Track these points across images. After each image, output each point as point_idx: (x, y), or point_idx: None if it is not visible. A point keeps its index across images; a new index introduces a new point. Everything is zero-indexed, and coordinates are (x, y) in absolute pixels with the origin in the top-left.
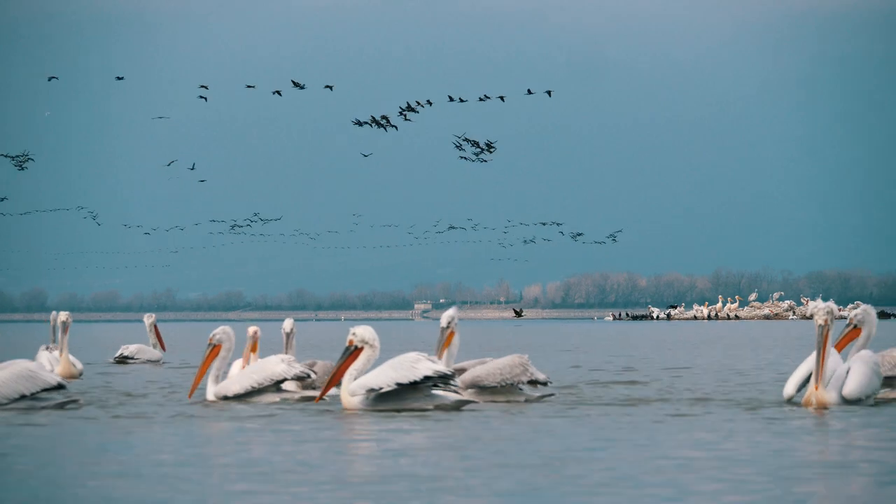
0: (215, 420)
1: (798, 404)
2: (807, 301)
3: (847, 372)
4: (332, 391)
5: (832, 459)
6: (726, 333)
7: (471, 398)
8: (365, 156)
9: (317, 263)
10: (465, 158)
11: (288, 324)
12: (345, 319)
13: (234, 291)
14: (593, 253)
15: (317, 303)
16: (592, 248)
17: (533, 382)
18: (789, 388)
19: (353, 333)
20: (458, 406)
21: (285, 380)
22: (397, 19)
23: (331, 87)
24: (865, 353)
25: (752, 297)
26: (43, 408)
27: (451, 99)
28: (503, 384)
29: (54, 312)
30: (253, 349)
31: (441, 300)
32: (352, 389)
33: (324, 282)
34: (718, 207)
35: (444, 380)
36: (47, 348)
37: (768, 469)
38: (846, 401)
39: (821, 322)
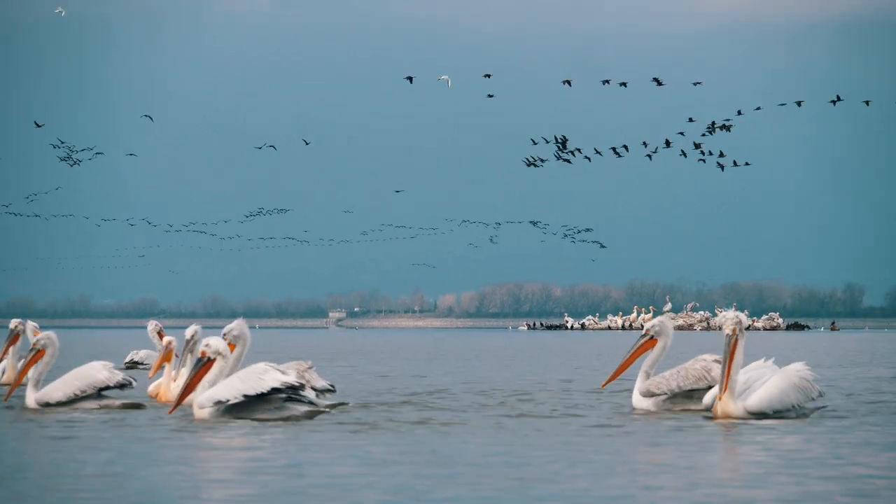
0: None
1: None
2: (721, 312)
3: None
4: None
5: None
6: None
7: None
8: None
9: (232, 271)
10: (534, 164)
11: (190, 330)
12: (259, 328)
13: (148, 298)
14: (508, 262)
15: (231, 310)
16: (508, 258)
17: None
18: (707, 398)
19: (207, 345)
20: (309, 416)
21: (108, 387)
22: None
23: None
24: (794, 365)
25: (667, 307)
26: None
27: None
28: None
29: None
30: (167, 359)
31: (356, 309)
32: (200, 402)
33: (239, 289)
34: (634, 218)
35: (293, 390)
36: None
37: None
38: (751, 413)
39: (728, 332)
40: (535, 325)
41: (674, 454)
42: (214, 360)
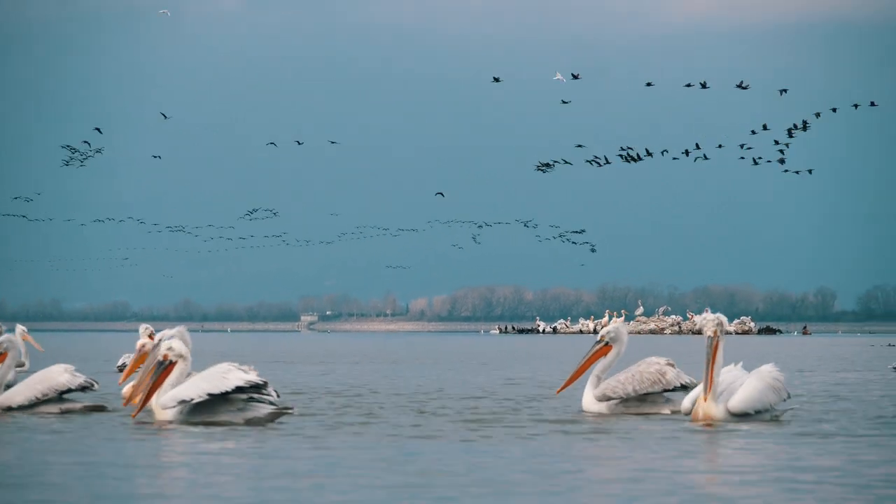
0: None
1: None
2: (692, 316)
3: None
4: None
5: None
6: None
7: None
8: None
9: (204, 274)
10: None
11: (157, 336)
12: (231, 331)
13: (120, 302)
14: (480, 266)
15: (203, 314)
16: (479, 261)
17: None
18: (686, 402)
19: (169, 348)
20: (271, 418)
21: (70, 390)
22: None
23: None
24: (766, 367)
25: (638, 311)
26: None
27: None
28: None
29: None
30: (141, 362)
31: (328, 312)
32: (163, 402)
33: (210, 293)
34: (605, 222)
35: (256, 390)
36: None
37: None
38: (733, 415)
39: (710, 333)
40: (506, 328)
41: (660, 458)
42: (176, 362)
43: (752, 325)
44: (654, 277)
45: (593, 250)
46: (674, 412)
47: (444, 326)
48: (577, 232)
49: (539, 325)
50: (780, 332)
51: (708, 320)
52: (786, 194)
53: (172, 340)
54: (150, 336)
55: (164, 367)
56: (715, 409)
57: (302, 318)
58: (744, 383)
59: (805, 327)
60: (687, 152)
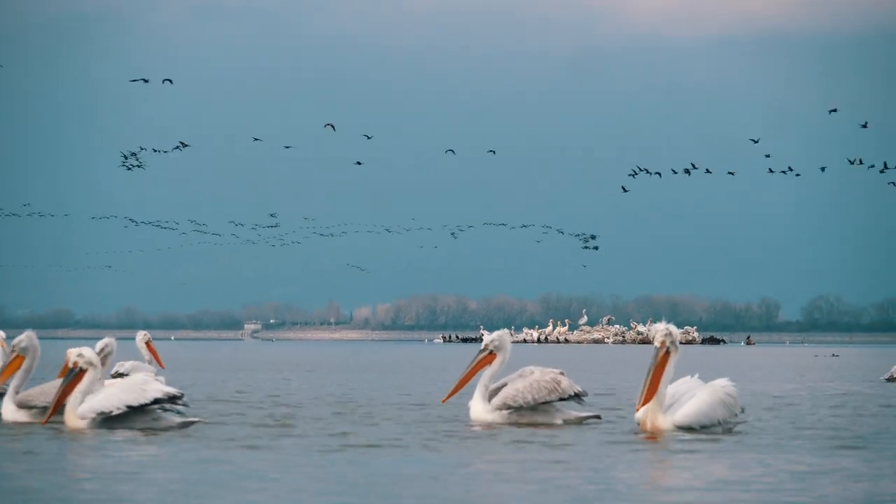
0: None
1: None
2: (636, 325)
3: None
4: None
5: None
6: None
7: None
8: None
9: (147, 282)
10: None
11: (101, 343)
12: (175, 339)
13: (63, 309)
14: (423, 275)
15: (146, 321)
16: (423, 270)
17: None
18: (639, 413)
19: (79, 355)
20: (182, 426)
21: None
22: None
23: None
24: (719, 381)
25: (582, 320)
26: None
27: None
28: None
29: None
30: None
31: (271, 320)
32: (82, 412)
33: (154, 300)
34: (548, 231)
35: (172, 401)
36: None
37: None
38: (679, 428)
39: (657, 344)
40: (450, 337)
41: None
42: (86, 370)
43: (696, 334)
44: (598, 287)
45: (595, 248)
46: (565, 422)
47: (387, 335)
48: (592, 237)
49: (483, 335)
50: (723, 342)
51: (658, 330)
52: (730, 205)
53: (83, 348)
54: (148, 343)
55: (74, 375)
56: (662, 421)
57: (245, 326)
58: (694, 396)
59: (749, 337)
60: (649, 172)
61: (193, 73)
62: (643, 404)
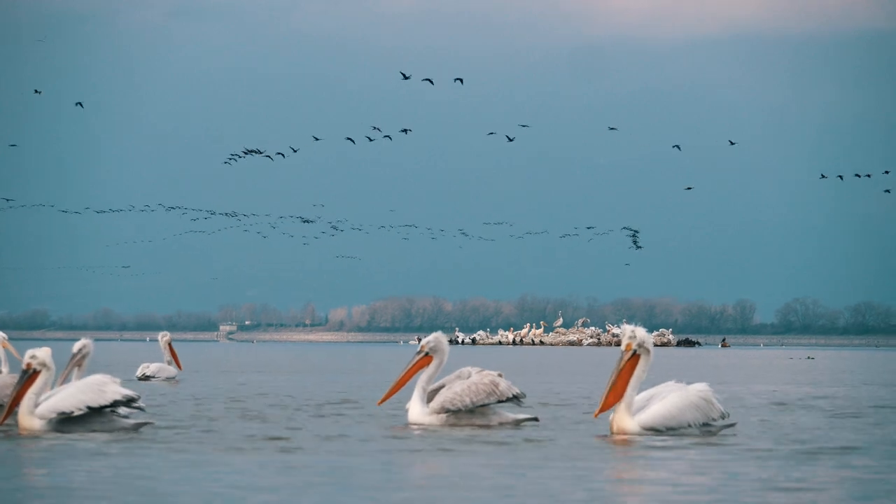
0: None
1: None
2: (611, 328)
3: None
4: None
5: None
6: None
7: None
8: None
9: (123, 283)
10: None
11: (78, 344)
12: (150, 340)
13: (39, 310)
14: (399, 277)
15: (122, 323)
16: (397, 273)
17: None
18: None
19: (33, 356)
20: (136, 428)
21: None
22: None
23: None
24: (696, 385)
25: (558, 322)
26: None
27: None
28: None
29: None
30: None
31: (247, 322)
32: (40, 413)
33: (129, 302)
34: (524, 232)
35: (129, 403)
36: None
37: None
38: (645, 429)
39: (623, 346)
40: None
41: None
42: (40, 371)
43: (671, 337)
44: (574, 289)
45: (638, 246)
46: (501, 424)
47: (362, 337)
48: (635, 231)
49: (458, 336)
50: (698, 344)
51: (624, 332)
52: (704, 207)
53: (38, 349)
54: (169, 344)
55: (28, 376)
56: (628, 422)
57: (221, 327)
58: (663, 398)
59: (724, 340)
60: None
61: (169, 72)
62: (602, 409)
